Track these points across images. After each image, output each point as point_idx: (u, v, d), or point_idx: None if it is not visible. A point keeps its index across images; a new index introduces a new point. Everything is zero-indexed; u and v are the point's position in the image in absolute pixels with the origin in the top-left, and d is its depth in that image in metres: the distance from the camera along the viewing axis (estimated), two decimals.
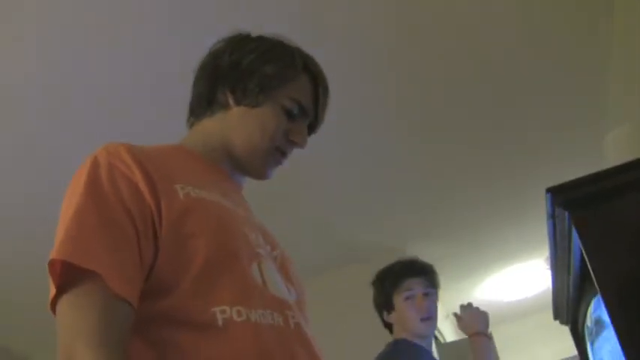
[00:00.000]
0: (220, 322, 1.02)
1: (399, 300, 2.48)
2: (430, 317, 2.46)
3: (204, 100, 1.32)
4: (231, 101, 1.29)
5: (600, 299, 1.59)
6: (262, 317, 1.06)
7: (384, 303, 2.53)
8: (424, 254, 4.99)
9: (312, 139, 1.43)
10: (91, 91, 2.81)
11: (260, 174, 1.33)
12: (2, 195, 3.32)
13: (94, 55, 2.64)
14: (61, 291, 1.00)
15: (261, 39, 1.36)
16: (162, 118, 2.90)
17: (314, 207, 4.11)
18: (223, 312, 1.02)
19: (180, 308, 1.03)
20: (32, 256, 2.22)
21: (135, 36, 2.58)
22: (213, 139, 1.30)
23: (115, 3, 2.42)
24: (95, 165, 1.09)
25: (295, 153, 1.38)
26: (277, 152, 1.31)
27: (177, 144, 1.33)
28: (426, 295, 2.48)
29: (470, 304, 2.56)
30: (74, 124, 2.97)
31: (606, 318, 1.56)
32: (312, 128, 1.39)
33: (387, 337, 2.61)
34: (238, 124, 1.29)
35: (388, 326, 2.56)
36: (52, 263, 1.00)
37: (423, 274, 2.54)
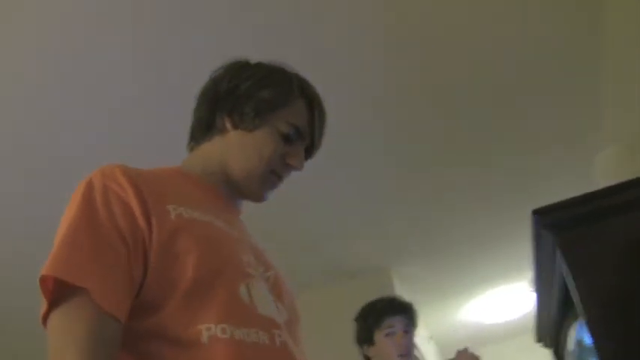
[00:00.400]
0: (205, 339, 1.04)
1: (379, 336, 2.59)
2: (408, 354, 2.58)
3: (204, 124, 1.35)
4: (228, 125, 1.32)
5: (583, 322, 1.59)
6: (247, 335, 1.07)
7: (365, 338, 2.64)
8: (409, 274, 5.02)
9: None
10: (91, 90, 2.80)
11: (257, 197, 1.35)
12: None
13: (93, 55, 2.64)
14: (52, 306, 1.03)
15: (259, 65, 1.38)
16: (163, 120, 2.94)
17: (301, 226, 4.10)
18: (209, 329, 1.05)
19: (167, 325, 1.06)
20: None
21: (133, 36, 2.59)
22: (212, 163, 1.32)
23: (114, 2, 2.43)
24: (90, 187, 1.12)
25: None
26: (273, 175, 1.32)
27: (176, 167, 1.35)
28: (405, 332, 2.60)
29: (466, 349, 2.69)
30: (73, 124, 2.97)
31: (588, 340, 1.56)
32: (308, 152, 1.40)
33: None
34: (235, 148, 1.31)
35: (367, 359, 2.67)
36: (43, 279, 1.03)
37: (403, 312, 2.65)
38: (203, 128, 1.36)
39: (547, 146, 3.76)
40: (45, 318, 1.04)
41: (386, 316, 2.60)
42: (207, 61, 1.41)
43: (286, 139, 1.31)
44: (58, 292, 1.02)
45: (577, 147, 3.73)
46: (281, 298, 1.24)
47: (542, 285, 2.00)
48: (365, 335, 2.63)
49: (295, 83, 1.36)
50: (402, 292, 5.12)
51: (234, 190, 1.33)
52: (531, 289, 3.04)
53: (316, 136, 1.38)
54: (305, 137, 1.35)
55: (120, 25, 2.51)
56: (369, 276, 4.70)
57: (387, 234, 4.47)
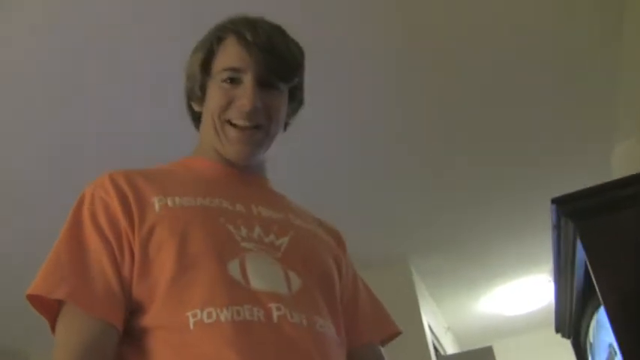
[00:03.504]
0: (192, 326, 1.04)
1: None
2: None
3: (191, 118, 1.38)
4: (198, 109, 1.33)
5: (604, 312, 1.57)
6: (237, 314, 1.05)
7: None
8: (428, 265, 5.02)
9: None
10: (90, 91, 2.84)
11: (231, 155, 1.27)
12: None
13: (95, 56, 2.66)
14: (55, 317, 1.09)
15: (197, 44, 1.35)
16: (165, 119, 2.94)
17: (318, 216, 4.10)
18: (195, 315, 1.05)
19: (159, 317, 1.07)
20: (32, 255, 2.23)
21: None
22: (203, 146, 1.33)
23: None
24: (81, 200, 1.18)
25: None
26: (230, 127, 1.25)
27: (182, 159, 1.36)
28: None
29: None
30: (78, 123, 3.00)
31: (606, 323, 1.55)
32: (283, 76, 1.28)
33: None
34: (204, 122, 1.31)
35: None
36: (32, 299, 1.09)
37: None
38: (193, 121, 1.38)
39: (567, 140, 3.74)
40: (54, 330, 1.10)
41: None
42: None
43: (230, 83, 1.25)
44: (60, 306, 1.09)
45: (595, 141, 3.68)
46: (294, 265, 1.19)
47: (561, 274, 1.99)
48: None
49: (214, 31, 1.30)
50: (421, 282, 5.12)
51: (226, 160, 1.29)
52: (550, 279, 3.02)
53: (265, 57, 1.24)
54: (244, 70, 1.24)
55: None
56: (387, 267, 4.69)
57: (406, 225, 4.45)
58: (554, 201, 1.66)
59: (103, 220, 1.13)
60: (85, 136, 3.07)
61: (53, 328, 1.09)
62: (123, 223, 1.12)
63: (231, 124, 1.25)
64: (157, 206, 1.14)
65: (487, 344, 5.27)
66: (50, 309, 1.09)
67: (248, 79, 1.23)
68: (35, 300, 1.09)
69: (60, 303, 1.08)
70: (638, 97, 3.06)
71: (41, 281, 1.09)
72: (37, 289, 1.08)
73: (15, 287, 3.88)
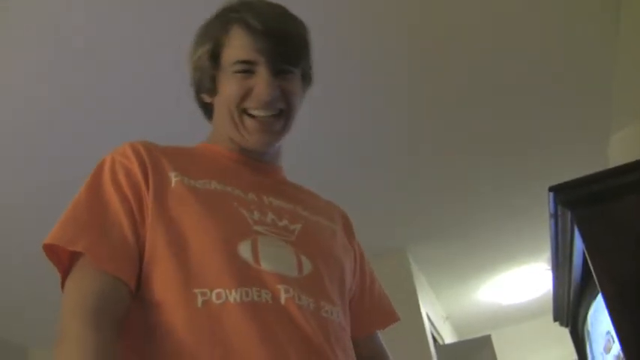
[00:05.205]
0: (200, 304, 1.05)
1: None
2: None
3: (202, 109, 1.37)
4: (208, 100, 1.32)
5: (601, 300, 1.58)
6: (245, 295, 1.06)
7: None
8: (426, 255, 5.03)
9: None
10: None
11: (249, 144, 1.27)
12: (3, 186, 3.34)
13: (96, 58, 2.67)
14: (66, 271, 1.09)
15: (199, 29, 1.33)
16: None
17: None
18: (204, 294, 1.06)
19: (163, 292, 1.08)
20: (32, 255, 2.24)
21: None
22: (217, 136, 1.32)
23: None
24: (101, 164, 1.19)
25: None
26: (248, 116, 1.24)
27: (199, 144, 1.36)
28: None
29: None
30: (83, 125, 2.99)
31: (604, 315, 1.55)
32: (296, 61, 1.26)
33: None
34: (217, 113, 1.30)
35: None
36: (46, 249, 1.08)
37: None
38: (204, 112, 1.37)
39: (565, 130, 3.73)
40: (63, 285, 1.09)
41: None
42: None
43: (244, 73, 1.23)
44: (70, 259, 1.08)
45: (592, 131, 3.69)
46: (307, 249, 1.20)
47: (559, 263, 1.99)
48: None
49: (218, 21, 1.28)
50: (419, 272, 5.13)
51: (240, 148, 1.29)
52: (548, 268, 3.01)
53: (276, 46, 1.22)
54: (257, 61, 1.22)
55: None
56: (386, 257, 4.70)
57: (404, 215, 4.46)
58: (551, 189, 1.66)
59: (122, 179, 1.14)
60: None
61: (63, 283, 1.08)
62: (143, 186, 1.14)
63: (248, 114, 1.24)
64: (173, 181, 1.16)
65: (485, 333, 5.29)
66: (63, 261, 1.09)
67: (262, 70, 1.22)
68: (50, 251, 1.09)
69: (73, 257, 1.08)
70: (634, 88, 3.07)
71: (60, 232, 1.09)
72: (55, 239, 1.08)
73: (15, 285, 3.96)
